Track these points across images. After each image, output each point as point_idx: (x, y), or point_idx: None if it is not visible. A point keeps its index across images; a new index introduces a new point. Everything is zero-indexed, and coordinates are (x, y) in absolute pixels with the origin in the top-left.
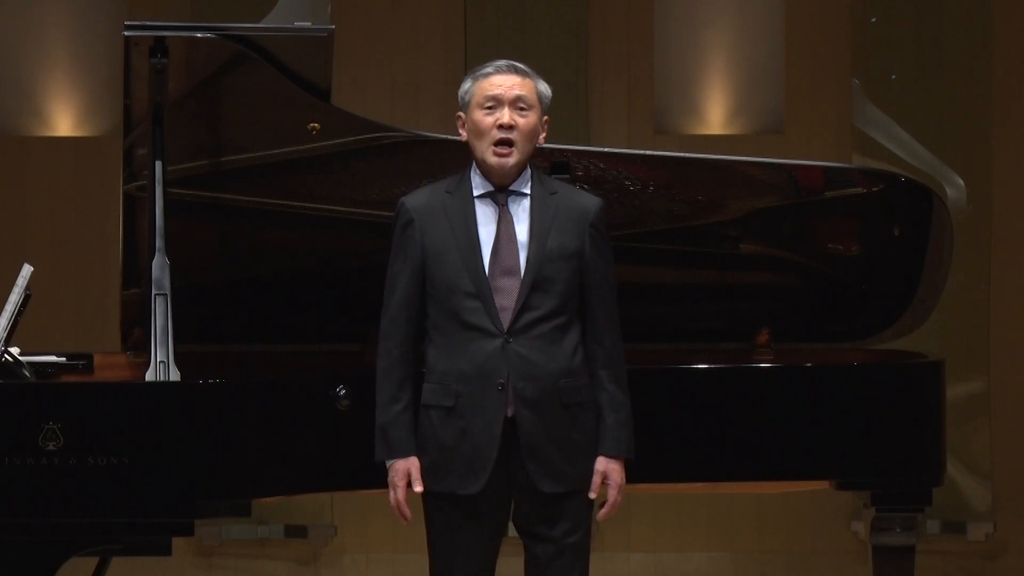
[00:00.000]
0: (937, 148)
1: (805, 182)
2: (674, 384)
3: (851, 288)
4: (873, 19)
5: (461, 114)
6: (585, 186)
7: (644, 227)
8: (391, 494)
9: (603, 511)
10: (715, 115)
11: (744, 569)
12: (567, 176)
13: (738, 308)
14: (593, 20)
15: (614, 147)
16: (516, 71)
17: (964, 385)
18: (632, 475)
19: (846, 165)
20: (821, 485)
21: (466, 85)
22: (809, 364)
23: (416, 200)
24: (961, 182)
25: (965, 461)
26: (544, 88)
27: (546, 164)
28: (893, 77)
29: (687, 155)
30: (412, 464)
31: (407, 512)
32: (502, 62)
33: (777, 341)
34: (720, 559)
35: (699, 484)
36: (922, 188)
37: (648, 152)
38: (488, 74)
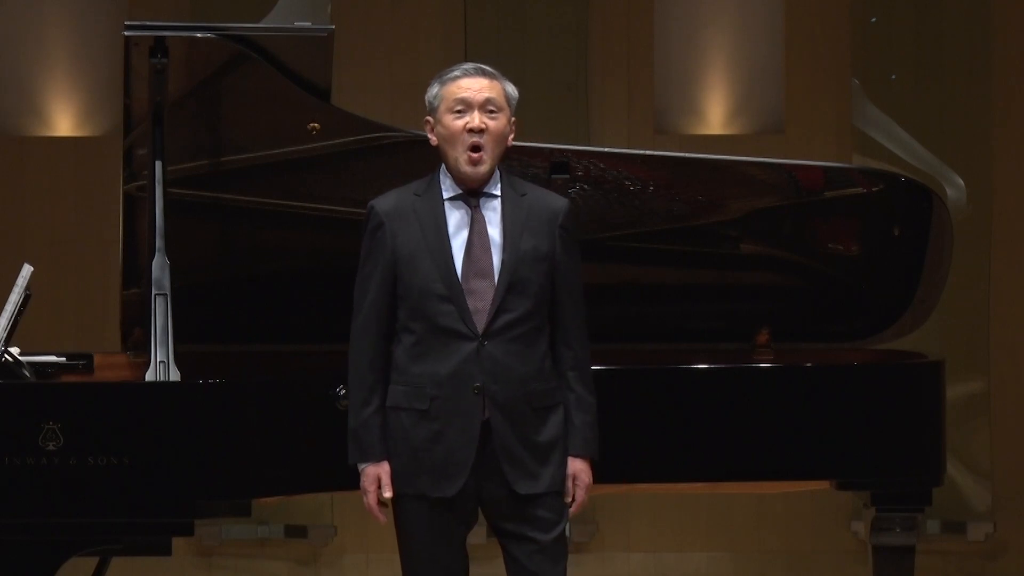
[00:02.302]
0: (937, 148)
1: (805, 182)
2: (674, 384)
3: (851, 288)
4: (873, 19)
5: (429, 119)
6: (585, 186)
7: (644, 227)
8: (364, 499)
9: (572, 509)
10: (715, 115)
11: (744, 569)
12: (567, 176)
13: (738, 308)
14: (593, 20)
15: (614, 147)
16: (484, 74)
17: (964, 385)
18: (632, 475)
19: (846, 165)
20: (821, 485)
21: (433, 90)
22: (809, 364)
23: (385, 203)
24: (961, 182)
25: (965, 461)
26: (512, 90)
27: (546, 164)
28: (893, 77)
29: (687, 155)
30: (383, 469)
31: (380, 516)
32: (469, 65)
33: (777, 341)
34: (720, 559)
35: (699, 484)
36: (922, 188)
37: (648, 152)
38: (456, 77)
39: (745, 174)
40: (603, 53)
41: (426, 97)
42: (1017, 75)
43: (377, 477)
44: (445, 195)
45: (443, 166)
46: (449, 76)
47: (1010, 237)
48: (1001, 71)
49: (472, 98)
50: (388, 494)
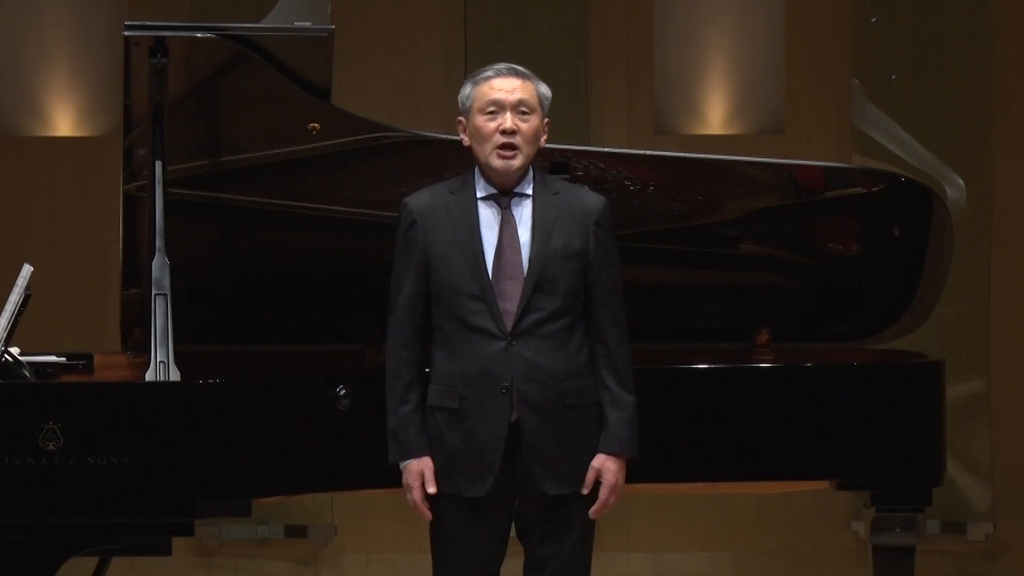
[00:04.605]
0: (937, 148)
1: (805, 182)
2: (674, 384)
3: (851, 288)
4: (873, 19)
5: (462, 119)
6: (585, 186)
7: (644, 227)
8: (408, 496)
9: (593, 508)
10: (715, 115)
11: (744, 569)
12: (567, 176)
13: (738, 308)
14: (593, 20)
15: (614, 147)
16: (517, 74)
17: (964, 385)
18: (632, 475)
19: (846, 165)
20: (821, 485)
21: (466, 90)
22: (809, 364)
23: (419, 201)
24: (961, 182)
25: (965, 461)
26: (544, 90)
27: (546, 164)
28: (893, 77)
29: (687, 155)
30: (425, 464)
31: (427, 512)
32: (502, 65)
33: (777, 341)
34: (720, 559)
35: (699, 484)
36: (922, 188)
37: (648, 152)
38: (488, 78)
39: (745, 174)
40: (603, 53)
41: (459, 97)
42: (1017, 75)
43: (420, 473)
44: (479, 194)
45: (476, 166)
46: (482, 76)
47: (1010, 237)
48: (1001, 71)
49: (505, 99)
50: (432, 489)
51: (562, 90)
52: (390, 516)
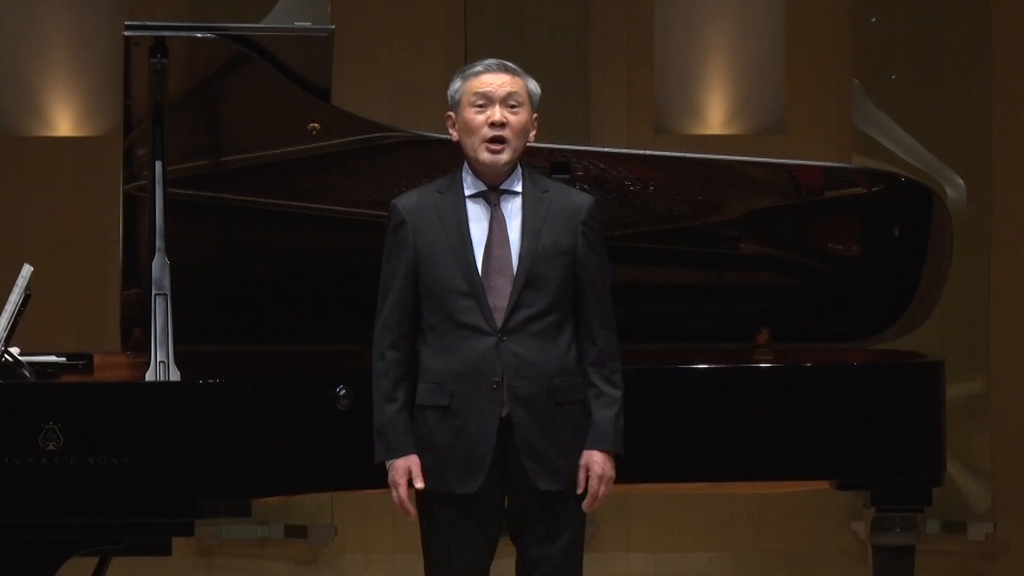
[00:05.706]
0: (937, 148)
1: (805, 182)
2: (674, 384)
3: (851, 288)
4: (873, 19)
5: (451, 114)
6: (585, 186)
7: (644, 227)
8: (393, 493)
9: (585, 502)
10: (715, 115)
11: (744, 569)
12: (567, 176)
13: (738, 308)
14: (593, 20)
15: (614, 147)
16: (506, 69)
17: (964, 385)
18: (632, 475)
19: (846, 165)
20: (821, 485)
21: (455, 84)
22: (809, 364)
23: (408, 201)
24: (961, 182)
25: (965, 461)
26: (534, 86)
27: (546, 164)
28: (893, 77)
29: (687, 155)
30: (412, 462)
31: (411, 510)
32: (491, 60)
33: (777, 341)
34: (720, 559)
35: (699, 484)
36: (922, 188)
37: (648, 152)
38: (478, 72)
39: (745, 174)
40: (603, 53)
41: (448, 92)
42: (1017, 75)
43: (407, 469)
44: (467, 192)
45: (464, 164)
46: (471, 71)
47: (1010, 237)
48: (1001, 71)
49: (494, 92)
50: (420, 485)
51: (562, 90)
52: (390, 516)
